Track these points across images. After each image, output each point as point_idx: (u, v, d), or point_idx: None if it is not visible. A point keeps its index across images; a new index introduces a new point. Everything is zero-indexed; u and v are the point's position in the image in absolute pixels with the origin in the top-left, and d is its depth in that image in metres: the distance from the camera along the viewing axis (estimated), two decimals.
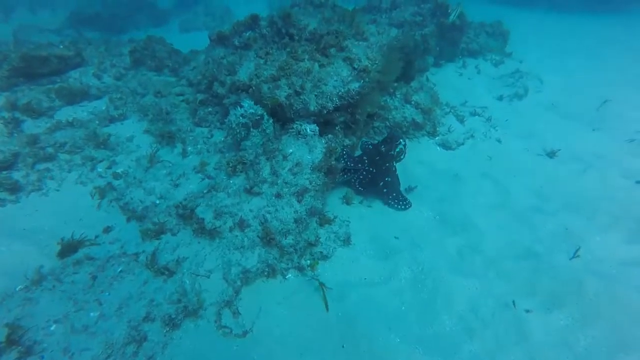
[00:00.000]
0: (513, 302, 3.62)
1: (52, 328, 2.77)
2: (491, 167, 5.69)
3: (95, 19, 13.26)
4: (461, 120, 6.69)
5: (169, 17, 14.78)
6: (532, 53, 11.04)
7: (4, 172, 4.70)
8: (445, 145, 6.01)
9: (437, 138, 6.13)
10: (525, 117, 7.38)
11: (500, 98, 8.21)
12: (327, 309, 3.41)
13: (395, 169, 4.93)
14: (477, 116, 6.92)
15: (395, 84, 6.24)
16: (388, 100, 6.00)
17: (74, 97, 6.25)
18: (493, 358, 3.18)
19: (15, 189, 4.59)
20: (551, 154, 6.12)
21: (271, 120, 4.48)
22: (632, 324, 3.44)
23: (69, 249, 3.69)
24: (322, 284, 3.52)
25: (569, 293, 3.72)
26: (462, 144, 6.08)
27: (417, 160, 5.69)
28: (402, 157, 4.81)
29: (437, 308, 3.57)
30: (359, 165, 4.72)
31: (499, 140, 6.39)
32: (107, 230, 4.14)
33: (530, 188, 5.34)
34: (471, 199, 5.06)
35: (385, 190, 4.73)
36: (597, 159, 6.03)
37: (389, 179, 4.75)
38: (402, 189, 4.97)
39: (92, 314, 2.88)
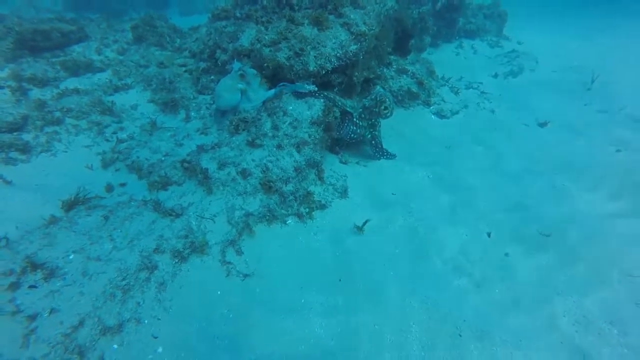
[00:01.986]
0: (488, 234, 3.88)
1: (70, 257, 2.97)
2: (484, 134, 5.89)
3: (93, 1, 13.34)
4: (456, 92, 6.88)
5: (168, 1, 14.86)
6: (529, 35, 11.20)
7: (15, 133, 4.88)
8: (440, 114, 6.20)
9: (432, 107, 6.32)
10: (519, 92, 7.58)
11: (496, 75, 8.40)
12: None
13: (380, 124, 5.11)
14: (471, 89, 7.12)
15: (392, 57, 6.42)
16: (385, 70, 6.17)
17: (78, 68, 6.41)
18: (479, 292, 3.41)
19: (25, 149, 4.77)
20: (542, 124, 6.33)
21: (259, 76, 4.68)
22: (609, 265, 3.66)
23: (77, 202, 3.88)
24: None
25: (553, 239, 3.94)
26: (457, 112, 6.28)
27: (413, 127, 5.89)
28: (387, 113, 4.92)
29: (429, 252, 3.79)
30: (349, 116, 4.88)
31: (492, 111, 6.59)
32: (115, 186, 4.34)
33: (522, 153, 5.55)
34: (464, 162, 5.26)
35: (373, 142, 4.95)
36: (586, 128, 6.24)
37: (376, 133, 4.94)
38: (396, 153, 5.17)
39: (105, 246, 3.08)
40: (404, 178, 4.88)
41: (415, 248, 3.83)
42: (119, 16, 12.90)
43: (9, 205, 4.01)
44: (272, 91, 4.60)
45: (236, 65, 4.86)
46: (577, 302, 3.35)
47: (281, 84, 4.60)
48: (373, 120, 4.88)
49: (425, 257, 3.75)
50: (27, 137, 4.92)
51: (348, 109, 4.74)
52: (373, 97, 4.86)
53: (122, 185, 4.34)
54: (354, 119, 4.78)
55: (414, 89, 6.12)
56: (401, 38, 6.48)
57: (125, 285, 2.83)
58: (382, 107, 4.74)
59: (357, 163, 4.99)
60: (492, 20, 10.65)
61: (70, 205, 3.78)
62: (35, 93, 5.74)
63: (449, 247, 3.86)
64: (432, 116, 6.21)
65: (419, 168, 5.08)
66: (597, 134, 6.02)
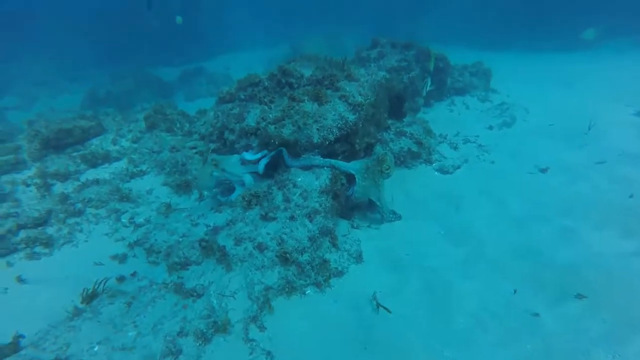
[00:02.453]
0: (514, 291, 3.82)
1: (95, 349, 2.99)
2: (488, 185, 6.03)
3: (108, 97, 14.52)
4: (455, 148, 7.17)
5: (174, 90, 16.06)
6: (514, 88, 11.74)
7: (40, 228, 5.11)
8: (443, 170, 6.41)
9: (434, 164, 6.55)
10: (515, 141, 7.83)
11: (491, 127, 8.74)
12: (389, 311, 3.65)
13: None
14: (469, 143, 7.40)
15: (390, 121, 6.81)
16: (384, 134, 6.52)
17: (97, 160, 6.86)
18: (508, 347, 3.31)
19: (49, 243, 4.98)
20: (543, 170, 6.48)
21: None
22: (637, 307, 3.58)
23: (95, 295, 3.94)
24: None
25: (572, 284, 3.89)
26: (458, 167, 6.49)
27: (418, 185, 6.07)
28: (389, 172, 5.10)
29: (450, 310, 3.75)
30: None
31: (492, 162, 6.80)
32: (135, 273, 4.44)
33: (526, 199, 5.63)
34: (471, 214, 5.35)
35: (378, 203, 5.08)
36: (585, 169, 6.37)
37: (380, 194, 5.09)
38: (404, 212, 5.31)
39: (130, 333, 3.11)
40: (414, 236, 4.94)
41: (435, 307, 3.79)
42: (131, 107, 13.97)
43: (33, 302, 4.11)
44: (245, 170, 5.04)
45: (211, 155, 5.38)
46: (617, 354, 3.22)
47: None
48: (376, 180, 5.05)
49: (446, 315, 3.70)
50: (51, 230, 5.15)
51: (351, 172, 4.95)
52: (374, 157, 5.11)
53: (142, 271, 4.44)
54: (358, 181, 4.97)
55: (414, 148, 6.41)
56: (395, 103, 6.93)
57: None
58: (384, 166, 4.96)
59: (368, 227, 5.10)
60: (479, 77, 11.32)
61: (89, 298, 3.83)
62: (59, 187, 6.11)
63: (468, 303, 3.81)
64: (435, 173, 6.42)
65: (428, 225, 5.17)
66: (596, 174, 6.13)
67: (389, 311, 3.60)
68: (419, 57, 9.17)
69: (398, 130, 6.62)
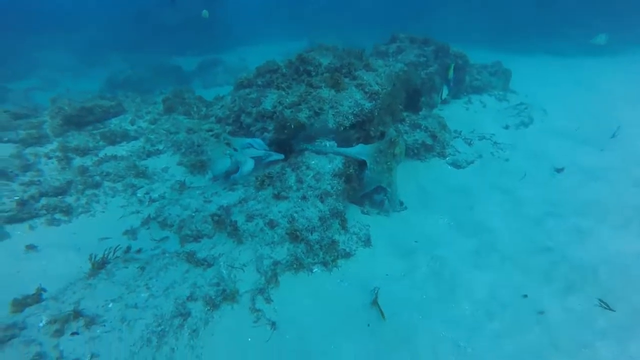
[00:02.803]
0: (524, 295, 3.76)
1: (109, 306, 3.11)
2: (502, 181, 6.00)
3: (127, 82, 14.81)
4: (469, 144, 7.13)
5: (192, 78, 16.27)
6: (533, 89, 11.60)
7: (60, 197, 5.28)
8: (456, 164, 6.40)
9: (447, 158, 6.54)
10: (532, 141, 7.75)
11: (507, 127, 8.67)
12: (384, 317, 3.49)
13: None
14: (485, 140, 7.36)
15: (405, 113, 6.82)
16: (399, 125, 6.53)
17: (116, 137, 7.02)
18: (514, 336, 3.32)
19: (68, 211, 5.13)
20: (559, 170, 6.42)
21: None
22: None
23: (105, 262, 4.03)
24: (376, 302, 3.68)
25: (584, 280, 3.86)
26: (472, 162, 6.47)
27: (430, 177, 6.07)
28: (401, 155, 5.13)
29: (458, 296, 3.77)
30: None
31: (506, 160, 6.75)
32: (149, 242, 4.57)
33: (541, 197, 5.59)
34: (484, 208, 5.33)
35: (388, 189, 5.08)
36: (604, 171, 6.28)
37: (392, 179, 5.10)
38: (416, 202, 5.34)
39: (142, 294, 3.22)
40: (425, 226, 4.96)
41: (443, 293, 3.82)
42: (148, 92, 14.22)
43: (53, 263, 4.27)
44: (260, 152, 5.07)
45: (224, 135, 5.46)
46: (621, 347, 3.21)
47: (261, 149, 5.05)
48: (389, 164, 5.05)
49: (454, 301, 3.72)
50: (70, 199, 5.31)
51: (362, 158, 4.97)
52: (387, 139, 5.13)
53: (156, 241, 4.57)
54: (370, 165, 4.99)
55: (429, 141, 6.41)
56: (412, 96, 6.93)
57: (160, 331, 2.92)
58: (397, 149, 4.97)
59: (378, 213, 5.13)
60: (498, 77, 11.22)
61: (99, 265, 3.90)
62: (78, 161, 6.28)
63: (477, 291, 3.83)
64: (448, 166, 6.41)
65: (440, 216, 5.18)
66: (615, 176, 6.04)
67: (383, 316, 3.47)
68: (437, 53, 9.13)
69: (413, 122, 6.63)
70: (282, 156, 4.99)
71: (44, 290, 3.41)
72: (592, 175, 6.14)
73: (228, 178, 5.32)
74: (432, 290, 3.88)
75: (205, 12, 14.55)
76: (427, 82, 8.85)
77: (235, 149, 5.26)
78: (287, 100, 5.24)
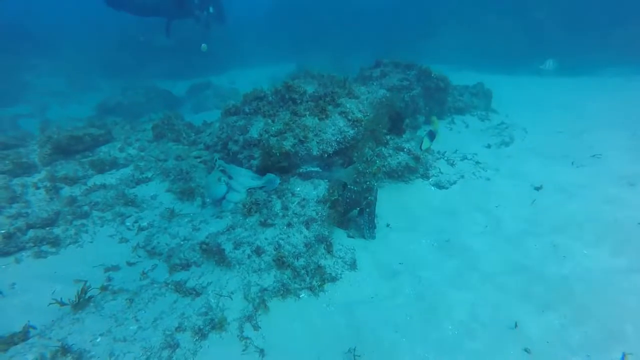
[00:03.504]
0: (515, 324, 3.89)
1: (97, 340, 3.15)
2: (482, 201, 6.21)
3: (118, 107, 14.96)
4: (452, 164, 7.37)
5: (182, 102, 16.49)
6: (515, 109, 11.98)
7: (47, 228, 5.32)
8: (439, 185, 6.61)
9: (430, 179, 6.75)
10: (512, 160, 8.02)
11: (489, 146, 8.95)
12: None
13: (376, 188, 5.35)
14: (466, 160, 7.61)
15: (388, 137, 7.06)
16: (383, 149, 6.75)
17: (104, 166, 7.12)
18: (493, 355, 3.43)
19: (56, 242, 5.18)
20: (538, 188, 6.66)
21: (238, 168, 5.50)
22: (621, 321, 3.70)
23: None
24: None
25: (560, 297, 4.02)
26: (454, 182, 6.68)
27: (414, 199, 6.26)
28: (379, 174, 5.27)
29: (439, 317, 3.88)
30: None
31: (488, 179, 6.98)
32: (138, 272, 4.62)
33: (520, 216, 5.79)
34: (466, 229, 5.51)
35: (367, 210, 5.19)
36: (579, 189, 6.53)
37: (372, 199, 5.22)
38: (400, 224, 5.49)
39: (131, 327, 3.27)
40: (409, 247, 5.10)
41: (425, 314, 3.93)
42: (139, 116, 14.36)
43: (39, 297, 4.28)
44: (259, 181, 5.23)
45: (218, 162, 5.61)
46: None
47: (269, 175, 5.18)
48: (368, 184, 5.19)
49: (436, 322, 3.83)
50: (58, 230, 5.35)
51: (344, 180, 5.13)
52: (364, 159, 5.30)
53: (145, 271, 4.62)
54: (350, 187, 5.14)
55: (412, 163, 6.62)
56: (395, 120, 7.18)
57: None
58: (375, 168, 5.13)
59: (363, 237, 5.26)
60: (479, 98, 11.62)
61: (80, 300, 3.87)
62: (66, 191, 6.34)
63: (457, 312, 3.95)
64: (432, 187, 6.61)
65: (423, 237, 5.33)
66: (591, 194, 6.28)
67: None
68: (420, 76, 9.48)
69: (397, 145, 6.85)
70: (278, 180, 5.15)
71: (32, 327, 3.44)
72: (569, 193, 6.38)
73: (219, 204, 5.47)
74: (415, 311, 3.99)
75: (204, 47, 14.81)
76: (411, 104, 9.17)
77: (230, 177, 5.42)
78: (273, 128, 5.42)
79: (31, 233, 5.17)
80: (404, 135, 7.40)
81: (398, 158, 6.62)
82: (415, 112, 9.37)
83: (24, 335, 3.35)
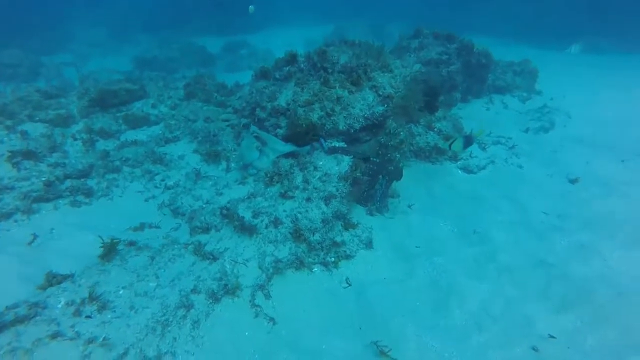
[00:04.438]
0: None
1: (120, 292, 3.38)
2: (511, 189, 5.97)
3: (154, 61, 15.13)
4: (483, 148, 7.07)
5: (216, 60, 16.43)
6: (561, 90, 11.18)
7: (82, 180, 5.61)
8: (467, 169, 6.39)
9: (459, 162, 6.52)
10: (549, 148, 7.61)
11: (526, 130, 8.49)
12: None
13: (399, 161, 5.28)
14: (499, 144, 7.27)
15: (420, 113, 6.80)
16: (412, 127, 6.53)
17: (137, 122, 7.30)
18: (500, 348, 3.42)
19: (89, 193, 5.46)
20: (573, 181, 6.31)
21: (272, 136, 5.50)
22: None
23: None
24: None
25: (579, 298, 3.90)
26: (483, 168, 6.44)
27: (439, 181, 6.10)
28: (403, 147, 5.15)
29: (450, 305, 3.88)
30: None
31: (520, 167, 6.68)
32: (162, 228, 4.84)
33: (549, 209, 5.55)
34: (490, 216, 5.36)
35: (385, 178, 5.13)
36: (622, 185, 6.13)
37: (391, 168, 5.14)
38: (422, 206, 5.41)
39: (151, 284, 3.48)
40: (428, 231, 5.04)
41: (436, 301, 3.93)
42: (174, 72, 14.50)
43: (73, 243, 4.60)
44: (288, 148, 5.25)
45: (252, 128, 5.64)
46: None
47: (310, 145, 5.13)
48: (389, 156, 5.08)
49: (446, 310, 3.83)
50: (92, 182, 5.63)
51: (367, 152, 5.06)
52: (387, 131, 5.16)
53: (168, 229, 4.84)
54: (371, 159, 5.06)
55: (441, 144, 6.40)
56: (429, 96, 6.87)
57: (164, 320, 3.17)
58: (397, 141, 5.01)
59: (383, 215, 5.23)
60: (523, 77, 10.89)
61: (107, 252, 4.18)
62: (101, 144, 6.60)
63: (470, 302, 3.92)
64: (459, 171, 6.40)
65: (444, 222, 5.23)
66: (634, 191, 5.89)
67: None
68: (460, 51, 8.94)
69: (428, 124, 6.61)
70: (306, 149, 5.16)
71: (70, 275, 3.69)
72: (608, 188, 6.02)
73: (246, 169, 5.59)
74: (426, 297, 4.00)
75: (252, 8, 14.45)
76: (448, 80, 8.73)
77: (264, 143, 5.49)
78: (301, 98, 5.33)
79: (68, 183, 5.47)
80: (436, 114, 7.11)
81: (427, 138, 6.41)
82: (451, 88, 8.94)
83: (62, 277, 3.62)
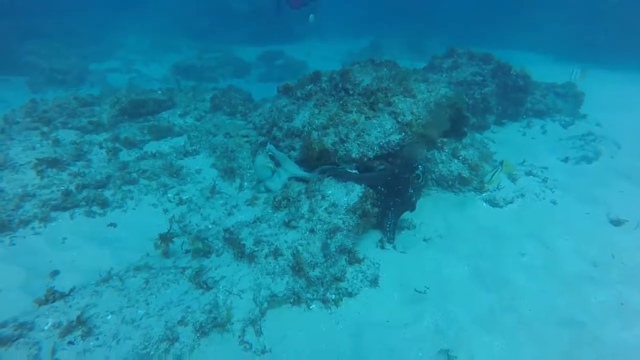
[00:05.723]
0: None
1: (108, 317, 3.32)
2: (541, 228, 5.47)
3: (190, 69, 15.61)
4: (513, 179, 6.57)
5: (251, 69, 16.71)
6: (612, 116, 10.27)
7: (99, 190, 5.73)
8: (492, 202, 5.94)
9: (484, 194, 6.09)
10: (591, 182, 6.93)
11: (566, 160, 7.84)
12: None
13: (412, 196, 5.00)
14: (532, 176, 6.73)
15: (445, 139, 6.44)
16: (436, 154, 6.19)
17: (161, 133, 7.44)
18: None
19: (104, 204, 5.56)
20: (616, 222, 5.70)
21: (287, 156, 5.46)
22: None
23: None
24: None
25: None
26: (511, 202, 5.96)
27: (460, 214, 5.70)
28: (420, 182, 4.86)
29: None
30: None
31: (554, 202, 6.13)
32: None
33: (584, 255, 5.01)
34: (512, 259, 4.91)
35: (391, 210, 4.87)
36: None
37: (399, 200, 4.86)
38: (439, 240, 5.06)
39: (139, 311, 3.40)
40: (441, 270, 4.68)
41: (440, 354, 3.58)
42: (209, 81, 14.88)
43: (82, 255, 4.67)
44: (301, 172, 5.18)
45: (269, 146, 5.59)
46: None
47: (319, 168, 4.95)
48: (399, 188, 4.80)
49: None
50: (107, 193, 5.74)
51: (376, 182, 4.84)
52: (403, 162, 4.88)
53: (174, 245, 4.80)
54: (379, 188, 4.80)
55: (466, 174, 6.00)
56: (456, 122, 6.50)
57: (145, 354, 3.06)
58: (414, 176, 4.72)
59: (394, 248, 4.93)
60: (566, 100, 10.17)
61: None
62: (124, 154, 6.76)
63: (478, 358, 3.54)
64: (484, 204, 5.96)
65: (461, 260, 4.85)
66: None
67: None
68: (496, 72, 8.48)
69: (453, 150, 6.24)
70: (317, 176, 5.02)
71: (59, 292, 3.71)
72: None
73: (259, 184, 5.56)
74: (430, 347, 3.66)
75: (312, 17, 14.62)
76: (481, 102, 8.29)
77: (277, 164, 5.44)
78: (317, 121, 5.17)
79: (85, 192, 5.60)
80: (464, 140, 6.70)
81: (451, 166, 6.04)
82: (485, 111, 8.48)
83: (60, 295, 3.63)
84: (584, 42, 17.72)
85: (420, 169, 4.84)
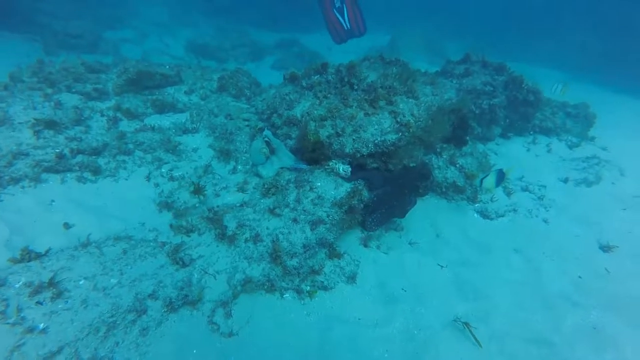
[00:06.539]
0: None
1: (80, 282, 3.35)
2: (528, 245, 5.43)
3: (204, 48, 15.51)
4: (509, 193, 6.51)
5: (265, 55, 16.58)
6: (622, 141, 10.07)
7: (93, 157, 5.74)
8: (484, 214, 5.89)
9: (477, 205, 6.04)
10: (588, 205, 6.86)
11: (565, 180, 7.74)
12: (481, 346, 3.76)
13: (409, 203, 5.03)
14: (527, 192, 6.67)
15: (445, 145, 6.38)
16: (433, 158, 6.14)
17: (164, 107, 7.42)
18: None
19: (96, 171, 5.57)
20: (606, 248, 5.64)
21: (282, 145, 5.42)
22: None
23: None
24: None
25: None
26: (502, 215, 5.91)
27: (449, 221, 5.66)
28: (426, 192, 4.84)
29: None
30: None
31: (545, 221, 6.07)
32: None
33: (567, 276, 4.98)
34: (495, 271, 4.88)
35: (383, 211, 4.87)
36: None
37: (396, 203, 4.89)
38: (425, 245, 5.04)
39: (112, 280, 3.42)
40: (422, 274, 4.66)
41: (407, 357, 3.58)
42: (222, 62, 14.81)
43: (67, 220, 4.68)
44: (294, 162, 5.16)
45: (266, 132, 5.56)
46: None
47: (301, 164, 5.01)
48: (407, 191, 4.79)
49: None
50: (101, 161, 5.76)
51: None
52: (417, 169, 4.90)
53: (158, 220, 4.81)
54: (374, 190, 4.80)
55: (460, 182, 5.94)
56: (457, 128, 6.43)
57: (111, 322, 3.09)
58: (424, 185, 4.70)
59: (377, 248, 4.91)
60: (576, 120, 10.00)
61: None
62: (124, 124, 6.76)
63: None
64: (475, 214, 5.91)
65: (443, 267, 4.82)
66: None
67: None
68: (508, 84, 8.35)
69: (451, 157, 6.18)
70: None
71: (36, 252, 3.73)
72: None
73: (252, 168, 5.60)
74: (397, 349, 3.66)
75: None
76: (488, 113, 8.19)
77: (272, 150, 5.43)
78: (316, 112, 5.12)
79: (79, 158, 5.62)
80: (464, 148, 6.64)
81: (446, 172, 5.98)
82: (491, 122, 8.37)
83: (36, 255, 3.66)
84: (612, 61, 17.13)
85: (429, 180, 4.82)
